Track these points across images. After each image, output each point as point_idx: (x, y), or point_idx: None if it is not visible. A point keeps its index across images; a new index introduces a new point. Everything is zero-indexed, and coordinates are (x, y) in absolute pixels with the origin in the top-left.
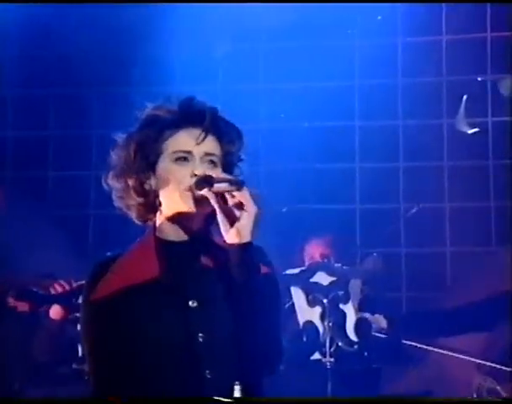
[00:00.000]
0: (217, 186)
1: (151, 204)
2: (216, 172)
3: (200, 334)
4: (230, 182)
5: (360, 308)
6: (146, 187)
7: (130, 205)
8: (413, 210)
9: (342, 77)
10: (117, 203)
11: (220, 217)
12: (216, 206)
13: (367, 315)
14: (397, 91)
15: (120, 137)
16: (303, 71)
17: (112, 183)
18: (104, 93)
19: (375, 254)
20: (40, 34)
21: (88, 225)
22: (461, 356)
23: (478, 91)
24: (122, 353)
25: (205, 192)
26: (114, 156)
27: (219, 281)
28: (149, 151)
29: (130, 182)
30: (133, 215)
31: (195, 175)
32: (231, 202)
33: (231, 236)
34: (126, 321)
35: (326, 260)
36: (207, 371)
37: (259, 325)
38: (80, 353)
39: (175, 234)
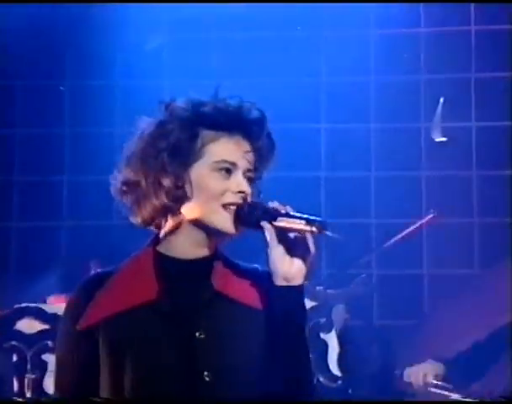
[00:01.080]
0: (286, 221)
1: (171, 210)
2: (247, 190)
3: (206, 372)
4: (307, 221)
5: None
6: (181, 192)
7: (148, 204)
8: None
9: (306, 72)
10: (126, 198)
11: (274, 255)
12: (272, 242)
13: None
14: (369, 90)
15: (149, 122)
16: (261, 64)
17: (128, 174)
18: (30, 88)
19: (363, 275)
20: None
21: (10, 238)
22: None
23: (461, 92)
24: (112, 391)
25: (263, 224)
26: (140, 143)
27: (237, 312)
28: (189, 151)
29: (165, 181)
30: (140, 215)
31: (241, 192)
32: (289, 238)
33: (282, 277)
34: (119, 352)
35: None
36: None
37: (292, 371)
38: (16, 388)
39: (188, 250)
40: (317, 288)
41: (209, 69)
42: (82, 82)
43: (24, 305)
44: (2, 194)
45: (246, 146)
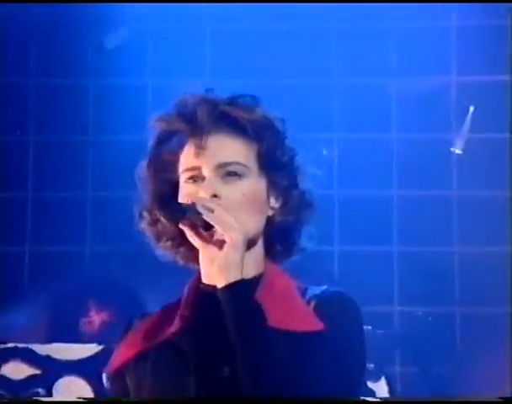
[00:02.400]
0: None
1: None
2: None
3: None
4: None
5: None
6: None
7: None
8: None
9: (314, 72)
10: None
11: (201, 255)
12: (193, 241)
13: None
14: (390, 93)
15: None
16: (259, 62)
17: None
18: None
19: (420, 313)
20: None
21: None
22: None
23: (498, 97)
24: None
25: (181, 225)
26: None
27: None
28: (169, 180)
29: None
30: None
31: (214, 196)
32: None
33: (212, 276)
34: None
35: None
36: None
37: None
38: None
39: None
40: (365, 327)
41: (198, 67)
42: (49, 81)
43: (10, 345)
44: None
45: (216, 139)
